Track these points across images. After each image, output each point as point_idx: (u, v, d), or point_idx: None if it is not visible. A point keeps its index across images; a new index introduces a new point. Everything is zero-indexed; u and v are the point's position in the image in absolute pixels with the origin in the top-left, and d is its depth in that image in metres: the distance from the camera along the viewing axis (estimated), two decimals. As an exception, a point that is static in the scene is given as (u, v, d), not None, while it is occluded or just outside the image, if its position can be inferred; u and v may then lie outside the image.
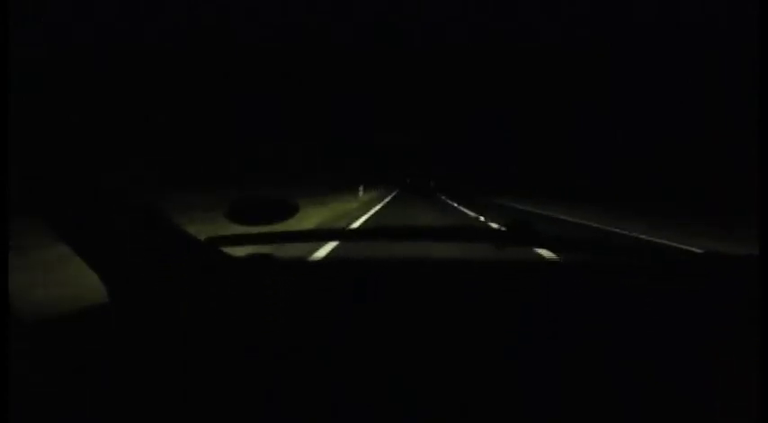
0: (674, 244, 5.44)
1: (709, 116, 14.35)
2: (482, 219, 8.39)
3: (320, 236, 0.98)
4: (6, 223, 0.42)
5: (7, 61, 0.42)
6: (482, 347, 0.47)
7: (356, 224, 6.31)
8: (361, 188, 15.14)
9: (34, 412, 0.35)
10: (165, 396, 0.38)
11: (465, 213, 9.91)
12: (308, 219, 6.22)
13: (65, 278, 2.08)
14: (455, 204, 14.04)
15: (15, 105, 0.43)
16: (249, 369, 0.42)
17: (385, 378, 0.41)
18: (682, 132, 15.32)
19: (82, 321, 0.51)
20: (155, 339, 0.47)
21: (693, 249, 5.36)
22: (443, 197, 19.73)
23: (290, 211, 0.72)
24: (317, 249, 3.44)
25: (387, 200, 14.16)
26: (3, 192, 0.42)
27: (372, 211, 8.78)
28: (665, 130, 16.18)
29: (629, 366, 0.43)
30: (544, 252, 3.30)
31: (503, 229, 0.73)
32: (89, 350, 0.45)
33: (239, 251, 0.72)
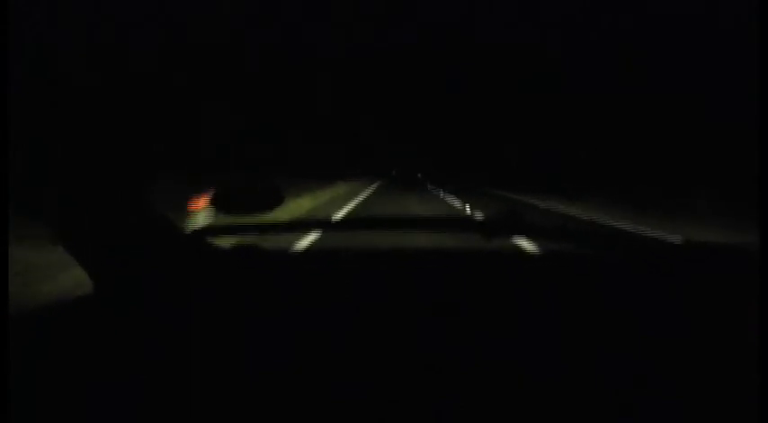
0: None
1: (709, 116, 14.36)
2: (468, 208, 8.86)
3: (307, 226, 0.98)
4: (6, 223, 0.42)
5: (7, 61, 0.42)
6: (466, 337, 0.47)
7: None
8: (341, 183, 15.00)
9: (24, 401, 0.35)
10: (152, 385, 0.38)
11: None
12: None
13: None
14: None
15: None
16: (235, 358, 0.42)
17: (371, 366, 0.41)
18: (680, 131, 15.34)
19: (66, 313, 0.51)
20: (140, 330, 0.47)
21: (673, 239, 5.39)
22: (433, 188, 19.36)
23: (276, 201, 0.72)
24: (300, 239, 3.43)
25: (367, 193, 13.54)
26: (3, 192, 0.42)
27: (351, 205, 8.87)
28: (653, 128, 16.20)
29: (615, 359, 0.43)
30: (528, 244, 3.32)
31: (491, 218, 0.73)
32: (74, 342, 0.45)
33: (225, 242, 0.72)
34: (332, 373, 0.40)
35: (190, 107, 12.36)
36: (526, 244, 3.39)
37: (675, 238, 5.41)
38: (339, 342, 0.45)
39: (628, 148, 17.50)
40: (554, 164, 21.53)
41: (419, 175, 51.28)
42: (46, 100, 0.55)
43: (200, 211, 3.18)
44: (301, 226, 0.90)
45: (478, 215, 6.81)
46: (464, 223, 0.73)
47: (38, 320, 0.49)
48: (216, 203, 0.69)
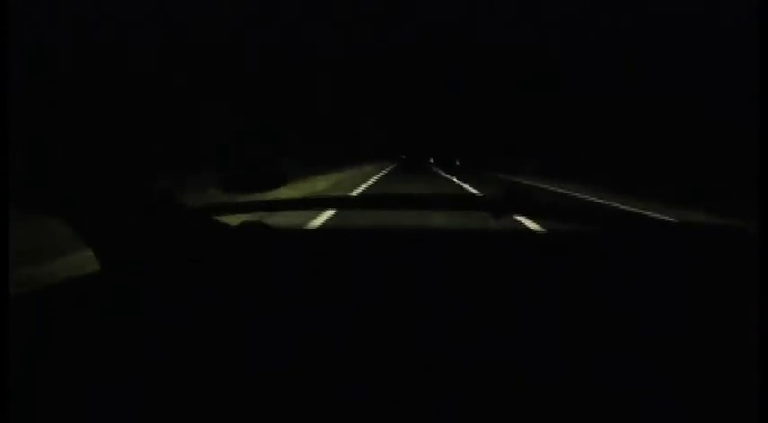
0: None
1: (709, 116, 14.34)
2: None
3: (314, 203, 0.99)
4: (6, 223, 0.42)
5: (7, 61, 0.42)
6: (466, 336, 0.47)
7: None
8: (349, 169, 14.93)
9: (25, 401, 0.35)
10: (160, 365, 0.38)
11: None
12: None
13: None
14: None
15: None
16: (235, 356, 0.42)
17: (371, 365, 0.41)
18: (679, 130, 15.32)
19: (74, 292, 0.50)
20: (148, 308, 0.47)
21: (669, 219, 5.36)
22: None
23: (279, 180, 0.74)
24: (313, 218, 3.43)
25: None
26: (3, 192, 0.42)
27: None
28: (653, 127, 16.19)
29: (615, 359, 0.43)
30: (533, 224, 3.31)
31: (498, 197, 0.73)
32: (82, 320, 0.45)
33: (233, 221, 0.72)
34: (332, 373, 0.40)
35: (190, 107, 12.35)
36: (531, 223, 3.39)
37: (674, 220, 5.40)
38: (339, 341, 0.45)
39: (628, 148, 17.49)
40: (554, 164, 21.50)
41: (431, 160, 53.13)
42: (46, 100, 0.54)
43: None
44: (309, 203, 0.90)
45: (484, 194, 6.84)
46: (471, 202, 0.74)
47: (38, 319, 0.49)
48: (223, 183, 0.72)
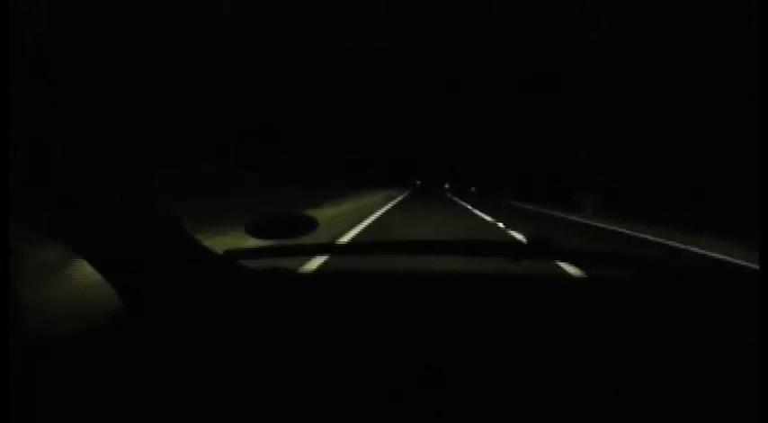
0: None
1: (709, 116, 14.34)
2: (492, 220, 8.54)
3: (334, 250, 0.99)
4: (6, 223, 0.42)
5: (7, 61, 0.42)
6: (467, 340, 0.47)
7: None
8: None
9: (25, 401, 0.35)
10: (181, 405, 0.38)
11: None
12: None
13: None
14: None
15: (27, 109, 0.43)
16: (263, 379, 0.42)
17: (396, 391, 0.41)
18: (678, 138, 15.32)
19: (99, 333, 0.51)
20: (171, 351, 0.47)
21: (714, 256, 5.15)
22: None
23: (309, 225, 0.73)
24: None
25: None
26: (3, 193, 0.42)
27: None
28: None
29: (615, 360, 0.43)
30: (567, 267, 3.21)
31: (519, 242, 0.73)
32: (108, 363, 0.45)
33: (255, 264, 0.73)
34: (357, 393, 0.40)
35: (190, 107, 12.35)
36: (572, 268, 3.22)
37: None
38: (366, 365, 0.45)
39: (627, 148, 17.48)
40: (554, 164, 21.46)
41: (446, 185, 54.83)
42: (46, 100, 0.54)
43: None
44: (329, 250, 0.91)
45: (515, 235, 6.66)
46: (493, 247, 0.74)
47: (64, 335, 0.49)
48: (251, 229, 0.70)
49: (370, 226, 6.91)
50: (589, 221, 11.03)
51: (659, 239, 7.43)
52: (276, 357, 0.46)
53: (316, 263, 3.27)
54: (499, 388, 0.40)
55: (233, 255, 0.70)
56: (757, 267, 0.69)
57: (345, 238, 5.31)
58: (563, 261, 0.79)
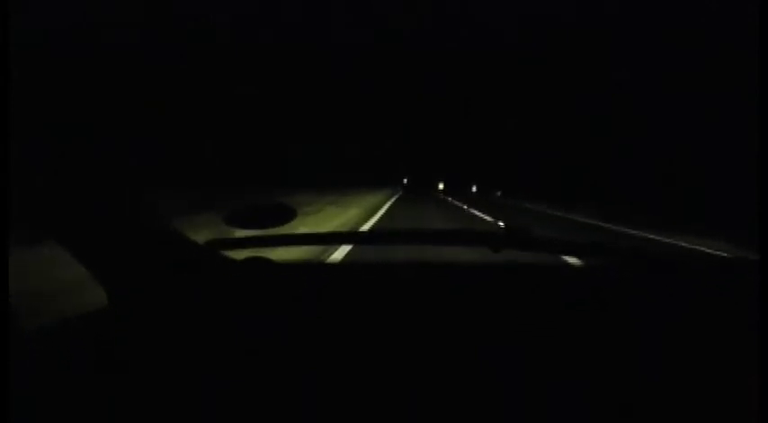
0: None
1: (709, 116, 14.35)
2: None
3: (318, 239, 0.98)
4: (6, 223, 0.42)
5: (7, 61, 0.42)
6: (474, 351, 0.47)
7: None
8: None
9: (25, 401, 0.35)
10: (165, 397, 0.38)
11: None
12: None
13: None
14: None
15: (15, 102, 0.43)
16: (247, 370, 0.42)
17: (378, 380, 0.41)
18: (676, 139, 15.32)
19: (81, 326, 0.50)
20: (155, 342, 0.47)
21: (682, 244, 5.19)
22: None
23: (288, 216, 0.73)
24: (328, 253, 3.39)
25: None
26: (3, 193, 0.42)
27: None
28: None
29: (614, 360, 0.43)
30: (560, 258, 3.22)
31: (499, 232, 0.73)
32: (90, 354, 0.45)
33: (239, 254, 0.72)
34: (340, 384, 0.40)
35: (190, 108, 12.37)
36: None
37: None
38: (348, 353, 0.45)
39: (627, 148, 17.50)
40: (553, 164, 21.48)
41: (441, 185, 55.58)
42: (46, 100, 0.54)
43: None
44: (313, 239, 0.91)
45: (500, 224, 6.71)
46: (473, 237, 0.74)
47: (47, 329, 0.49)
48: (229, 219, 0.70)
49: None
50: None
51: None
52: (259, 346, 0.46)
53: (341, 253, 3.24)
54: (492, 383, 0.40)
55: (215, 244, 0.70)
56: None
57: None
58: (542, 252, 0.78)
